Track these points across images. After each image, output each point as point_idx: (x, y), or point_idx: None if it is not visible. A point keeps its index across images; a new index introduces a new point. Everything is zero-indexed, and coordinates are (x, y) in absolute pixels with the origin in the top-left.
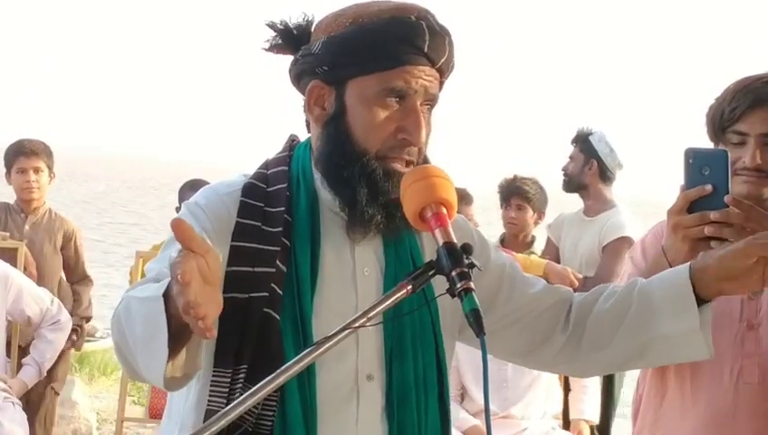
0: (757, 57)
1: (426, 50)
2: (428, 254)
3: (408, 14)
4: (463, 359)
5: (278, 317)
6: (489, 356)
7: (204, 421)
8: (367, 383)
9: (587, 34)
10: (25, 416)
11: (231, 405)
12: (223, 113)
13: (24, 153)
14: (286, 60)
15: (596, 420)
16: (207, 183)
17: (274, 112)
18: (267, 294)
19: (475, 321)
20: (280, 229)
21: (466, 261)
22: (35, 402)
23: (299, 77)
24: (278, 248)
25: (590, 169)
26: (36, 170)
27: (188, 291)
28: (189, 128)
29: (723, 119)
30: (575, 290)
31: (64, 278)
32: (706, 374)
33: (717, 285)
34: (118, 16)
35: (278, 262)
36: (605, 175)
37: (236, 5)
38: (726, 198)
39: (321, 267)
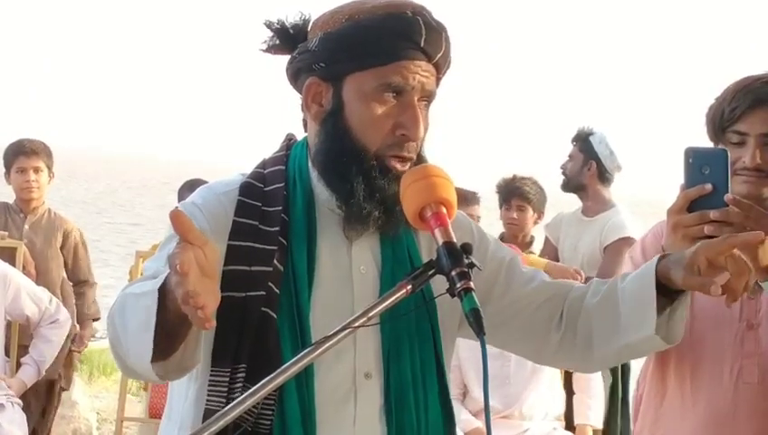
0: (757, 57)
1: (422, 45)
2: (426, 251)
3: (403, 10)
4: (464, 357)
5: (275, 316)
6: (495, 351)
7: (203, 421)
8: (365, 382)
9: (585, 34)
10: (24, 416)
11: (230, 405)
12: (223, 113)
13: (24, 153)
14: (286, 60)
15: (600, 425)
16: (207, 183)
17: (275, 112)
18: (264, 293)
19: (475, 321)
20: (277, 229)
21: (466, 261)
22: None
23: (296, 74)
24: (275, 247)
25: (588, 169)
26: (36, 170)
27: (187, 281)
28: (189, 128)
29: (723, 119)
30: None
31: (64, 278)
32: (706, 374)
33: (683, 283)
34: (118, 16)
35: (275, 261)
36: (603, 176)
37: (236, 5)
38: (726, 198)
39: (318, 266)
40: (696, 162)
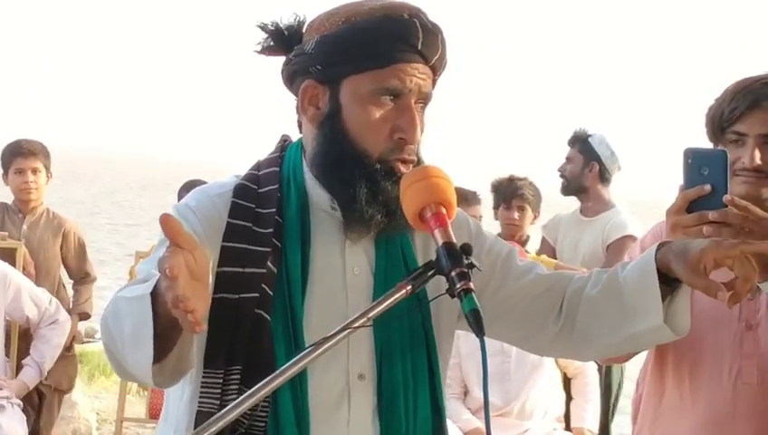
0: (757, 57)
1: (419, 47)
2: (420, 251)
3: (400, 13)
4: (465, 355)
5: (269, 318)
6: (495, 347)
7: (194, 422)
8: (359, 384)
9: (582, 35)
10: (24, 417)
11: (225, 409)
12: (223, 114)
13: (22, 154)
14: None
15: (596, 428)
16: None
17: (274, 113)
18: (258, 295)
19: (475, 321)
20: (270, 230)
21: (466, 261)
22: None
23: (292, 77)
24: (269, 249)
25: (590, 170)
26: (34, 171)
27: (176, 285)
28: (189, 128)
29: (722, 119)
30: None
31: (64, 278)
32: (705, 374)
33: (688, 281)
34: (118, 16)
35: (269, 263)
36: (604, 177)
37: (236, 6)
38: (725, 198)
39: (312, 268)
40: (696, 163)
